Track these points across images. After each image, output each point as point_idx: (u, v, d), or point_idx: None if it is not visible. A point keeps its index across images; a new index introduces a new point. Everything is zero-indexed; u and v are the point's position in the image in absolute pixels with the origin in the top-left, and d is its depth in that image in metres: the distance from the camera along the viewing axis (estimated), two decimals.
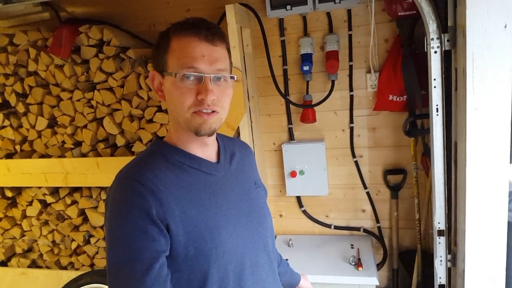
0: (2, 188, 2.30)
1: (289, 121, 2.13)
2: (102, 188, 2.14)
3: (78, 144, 2.11)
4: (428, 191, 1.87)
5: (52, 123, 2.13)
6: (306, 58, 1.94)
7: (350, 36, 1.93)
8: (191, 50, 0.80)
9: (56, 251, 2.36)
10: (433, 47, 1.20)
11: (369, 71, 1.95)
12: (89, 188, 2.16)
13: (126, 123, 1.98)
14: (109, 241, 0.77)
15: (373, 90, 1.97)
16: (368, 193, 2.12)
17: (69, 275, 2.22)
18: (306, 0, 1.86)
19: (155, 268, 0.73)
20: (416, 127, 1.86)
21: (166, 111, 1.90)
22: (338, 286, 1.83)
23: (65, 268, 2.41)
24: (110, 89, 1.97)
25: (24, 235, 2.39)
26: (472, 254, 1.21)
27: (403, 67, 1.79)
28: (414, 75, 1.74)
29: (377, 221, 2.14)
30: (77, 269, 2.36)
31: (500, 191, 1.15)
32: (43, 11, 2.15)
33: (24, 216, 2.33)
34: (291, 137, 2.15)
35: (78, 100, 2.02)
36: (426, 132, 1.77)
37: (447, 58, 1.21)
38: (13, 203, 2.36)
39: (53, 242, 2.33)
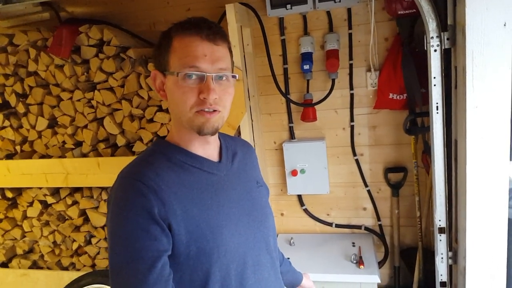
0: (3, 189, 2.29)
1: (290, 120, 2.13)
2: (103, 188, 2.14)
3: (78, 144, 2.11)
4: (429, 188, 1.87)
5: (53, 123, 2.12)
6: (307, 57, 1.94)
7: (350, 35, 1.93)
8: (193, 49, 0.80)
9: (57, 251, 2.36)
10: (432, 46, 1.20)
11: (369, 70, 1.95)
12: (90, 188, 2.16)
13: (126, 123, 1.98)
14: (111, 241, 0.77)
15: (373, 89, 1.97)
16: (369, 191, 2.12)
17: (70, 275, 2.22)
18: None
19: (157, 267, 0.73)
20: (416, 125, 1.86)
21: (166, 111, 1.90)
22: (340, 284, 1.83)
23: (66, 268, 2.40)
24: (111, 89, 1.97)
25: (25, 236, 2.38)
26: (473, 251, 1.22)
27: (403, 66, 1.79)
28: (414, 73, 1.74)
29: (378, 219, 2.14)
30: (78, 270, 2.35)
31: (501, 188, 1.15)
32: (43, 11, 2.14)
33: (24, 217, 2.32)
34: (291, 136, 2.15)
35: (79, 100, 2.02)
36: (426, 130, 1.78)
37: (446, 56, 1.21)
38: (13, 204, 2.35)
39: (54, 242, 2.32)
